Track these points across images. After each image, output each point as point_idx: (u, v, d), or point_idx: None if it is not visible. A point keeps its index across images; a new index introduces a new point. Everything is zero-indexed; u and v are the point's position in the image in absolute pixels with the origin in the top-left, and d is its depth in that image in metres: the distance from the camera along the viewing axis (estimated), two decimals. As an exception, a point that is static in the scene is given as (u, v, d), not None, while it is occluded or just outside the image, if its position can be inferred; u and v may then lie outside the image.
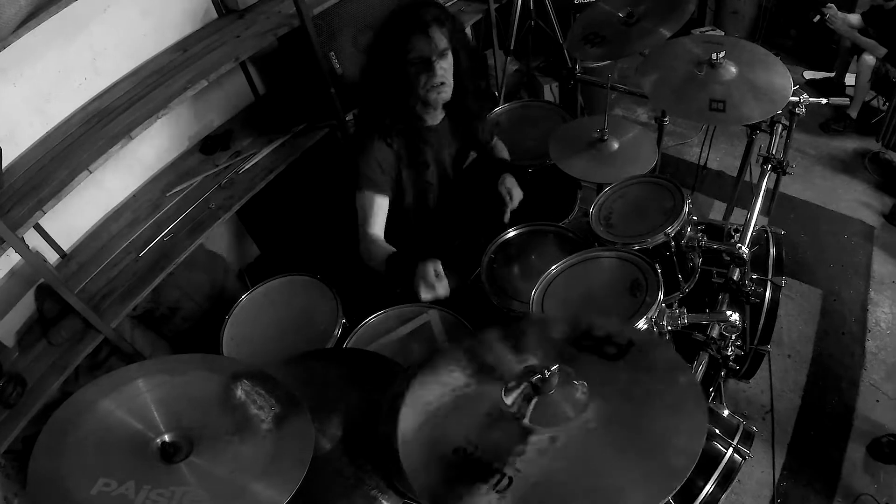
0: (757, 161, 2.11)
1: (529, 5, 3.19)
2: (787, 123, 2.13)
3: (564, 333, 1.20)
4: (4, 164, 1.88)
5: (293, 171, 2.49)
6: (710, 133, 2.88)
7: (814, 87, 4.08)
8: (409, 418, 1.10)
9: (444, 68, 1.72)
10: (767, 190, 2.06)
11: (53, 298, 1.96)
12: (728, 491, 1.45)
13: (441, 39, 1.68)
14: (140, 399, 1.15)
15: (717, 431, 1.52)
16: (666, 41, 2.06)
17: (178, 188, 2.36)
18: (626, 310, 1.48)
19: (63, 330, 1.96)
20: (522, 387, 1.09)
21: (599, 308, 1.53)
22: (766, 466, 2.20)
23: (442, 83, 1.72)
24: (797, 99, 2.02)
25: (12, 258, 1.99)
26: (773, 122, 2.11)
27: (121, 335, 2.06)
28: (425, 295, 1.52)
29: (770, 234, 2.09)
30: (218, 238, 2.75)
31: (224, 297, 2.48)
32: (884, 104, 3.69)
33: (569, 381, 1.09)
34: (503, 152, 2.20)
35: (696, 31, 4.31)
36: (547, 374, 1.06)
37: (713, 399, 1.91)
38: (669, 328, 1.50)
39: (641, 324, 1.43)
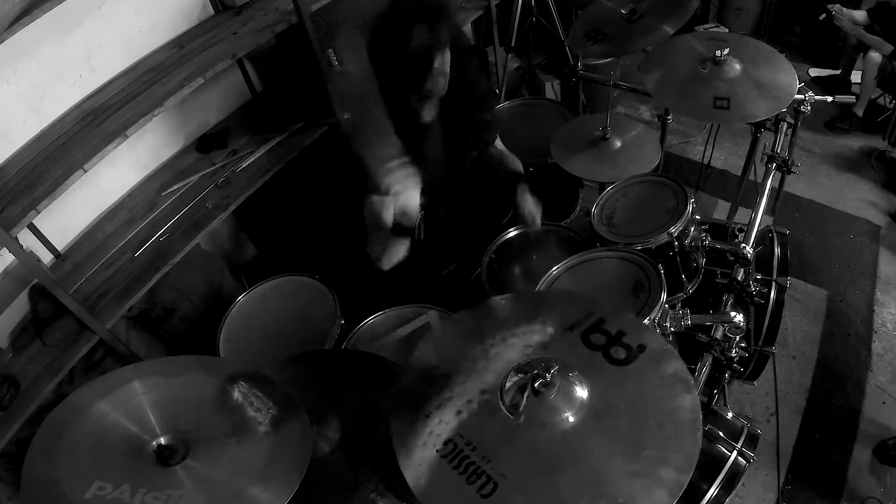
0: (761, 160, 2.11)
1: (531, 1, 3.16)
2: (792, 121, 2.12)
3: (576, 320, 1.17)
4: (-2, 163, 1.87)
5: (291, 169, 2.47)
6: (714, 131, 2.85)
7: (819, 85, 4.04)
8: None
9: (444, 60, 1.71)
10: (772, 189, 2.05)
11: (48, 299, 1.94)
12: (732, 494, 1.43)
13: (442, 31, 1.67)
14: (136, 401, 1.15)
15: (722, 434, 1.51)
16: (669, 38, 2.06)
17: (175, 187, 2.33)
18: (629, 310, 1.46)
19: (57, 331, 1.94)
20: (522, 386, 1.07)
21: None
22: (771, 469, 2.18)
23: (440, 75, 1.71)
24: (802, 97, 2.01)
25: (6, 258, 1.96)
26: (777, 121, 2.11)
27: (116, 336, 2.05)
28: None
29: (775, 233, 2.08)
30: (215, 238, 2.72)
31: (221, 297, 2.45)
32: (890, 102, 3.66)
33: (569, 384, 1.06)
34: (515, 163, 2.08)
35: (700, 28, 4.27)
36: (548, 376, 1.04)
37: (717, 401, 1.89)
38: (673, 329, 1.48)
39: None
